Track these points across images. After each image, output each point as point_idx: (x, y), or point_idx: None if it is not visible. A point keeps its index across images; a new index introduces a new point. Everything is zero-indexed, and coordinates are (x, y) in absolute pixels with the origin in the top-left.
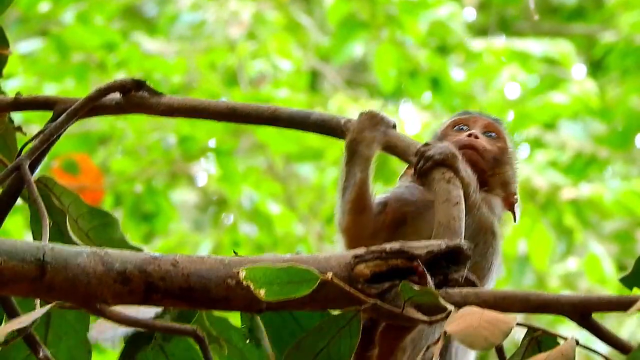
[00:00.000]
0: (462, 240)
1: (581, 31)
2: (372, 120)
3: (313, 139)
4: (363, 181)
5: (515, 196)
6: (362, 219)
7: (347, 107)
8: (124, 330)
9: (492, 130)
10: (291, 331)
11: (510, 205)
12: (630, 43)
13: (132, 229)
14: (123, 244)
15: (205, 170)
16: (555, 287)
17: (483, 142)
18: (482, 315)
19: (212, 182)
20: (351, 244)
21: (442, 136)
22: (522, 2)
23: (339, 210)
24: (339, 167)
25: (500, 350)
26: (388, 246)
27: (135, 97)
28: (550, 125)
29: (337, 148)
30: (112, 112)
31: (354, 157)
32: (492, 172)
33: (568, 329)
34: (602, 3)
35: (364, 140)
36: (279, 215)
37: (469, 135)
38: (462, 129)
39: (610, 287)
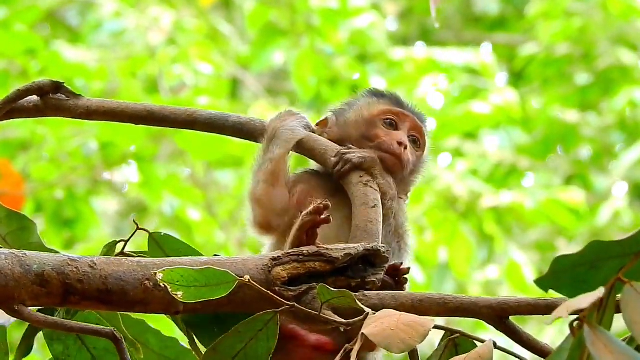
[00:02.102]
0: (380, 243)
1: (503, 41)
2: (294, 116)
3: (233, 146)
4: (281, 156)
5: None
6: (275, 192)
7: (267, 115)
8: None
9: (418, 134)
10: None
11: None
12: (551, 54)
13: (53, 235)
14: (40, 248)
15: (126, 177)
16: (475, 295)
17: (408, 153)
18: (399, 318)
19: (133, 189)
20: (261, 214)
21: (369, 122)
22: (444, 12)
23: (254, 180)
24: (257, 155)
25: (414, 353)
26: (305, 249)
27: (53, 100)
28: (471, 135)
29: None
30: (30, 114)
31: (274, 139)
32: (404, 179)
33: (490, 335)
34: (523, 13)
35: (285, 126)
36: (199, 222)
37: (399, 143)
38: (391, 123)
39: (532, 295)
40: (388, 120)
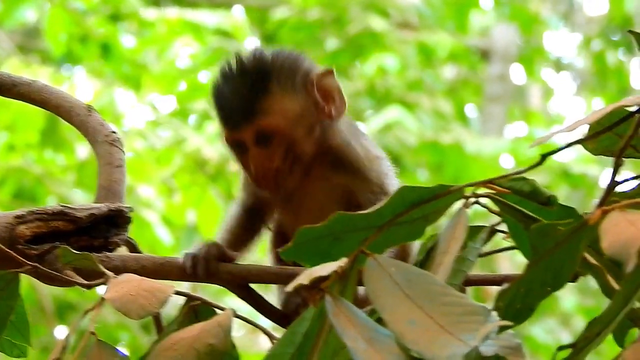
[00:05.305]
0: (124, 203)
1: (255, 3)
2: None
3: None
4: None
5: (327, 107)
6: None
7: (19, 72)
8: None
9: (263, 133)
10: None
11: (329, 115)
12: (303, 18)
13: None
14: None
15: None
16: None
17: (264, 165)
18: (140, 283)
19: None
20: None
21: (236, 160)
22: None
23: None
24: None
25: (157, 319)
26: (50, 208)
27: None
28: None
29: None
30: None
31: None
32: (293, 163)
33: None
34: None
35: None
36: None
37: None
38: (240, 145)
39: None
40: (236, 144)
